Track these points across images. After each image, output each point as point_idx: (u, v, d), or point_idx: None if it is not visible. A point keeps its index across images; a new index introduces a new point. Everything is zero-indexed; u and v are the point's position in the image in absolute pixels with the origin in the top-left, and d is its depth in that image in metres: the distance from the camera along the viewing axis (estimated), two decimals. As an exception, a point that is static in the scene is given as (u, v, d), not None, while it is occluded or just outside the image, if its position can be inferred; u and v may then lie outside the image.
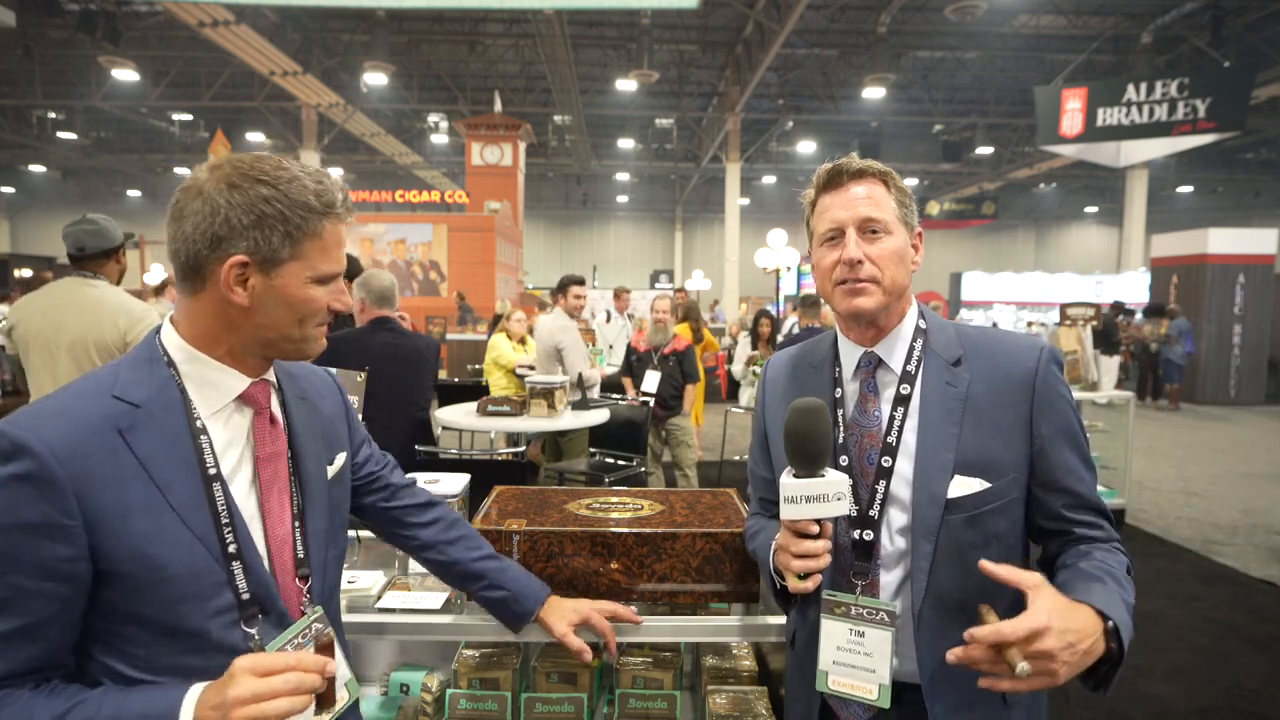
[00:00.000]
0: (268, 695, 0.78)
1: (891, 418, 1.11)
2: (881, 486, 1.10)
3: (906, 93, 19.25)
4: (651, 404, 5.09)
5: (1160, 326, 11.31)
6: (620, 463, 4.68)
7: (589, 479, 4.56)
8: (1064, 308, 8.81)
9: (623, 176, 29.06)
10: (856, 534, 1.11)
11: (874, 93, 15.63)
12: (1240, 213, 27.66)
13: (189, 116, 21.66)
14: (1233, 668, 3.31)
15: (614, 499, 1.59)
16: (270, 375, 1.00)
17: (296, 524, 0.99)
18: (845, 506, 1.01)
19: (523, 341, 5.99)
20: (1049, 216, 31.91)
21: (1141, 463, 7.23)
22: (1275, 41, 14.49)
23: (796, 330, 6.97)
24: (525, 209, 22.51)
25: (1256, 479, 6.86)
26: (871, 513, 1.10)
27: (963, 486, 1.06)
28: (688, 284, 23.33)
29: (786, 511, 1.02)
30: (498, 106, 18.51)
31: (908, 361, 1.13)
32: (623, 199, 31.49)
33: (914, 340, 1.15)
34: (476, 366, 9.13)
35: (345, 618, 1.39)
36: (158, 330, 0.94)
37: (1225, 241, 11.84)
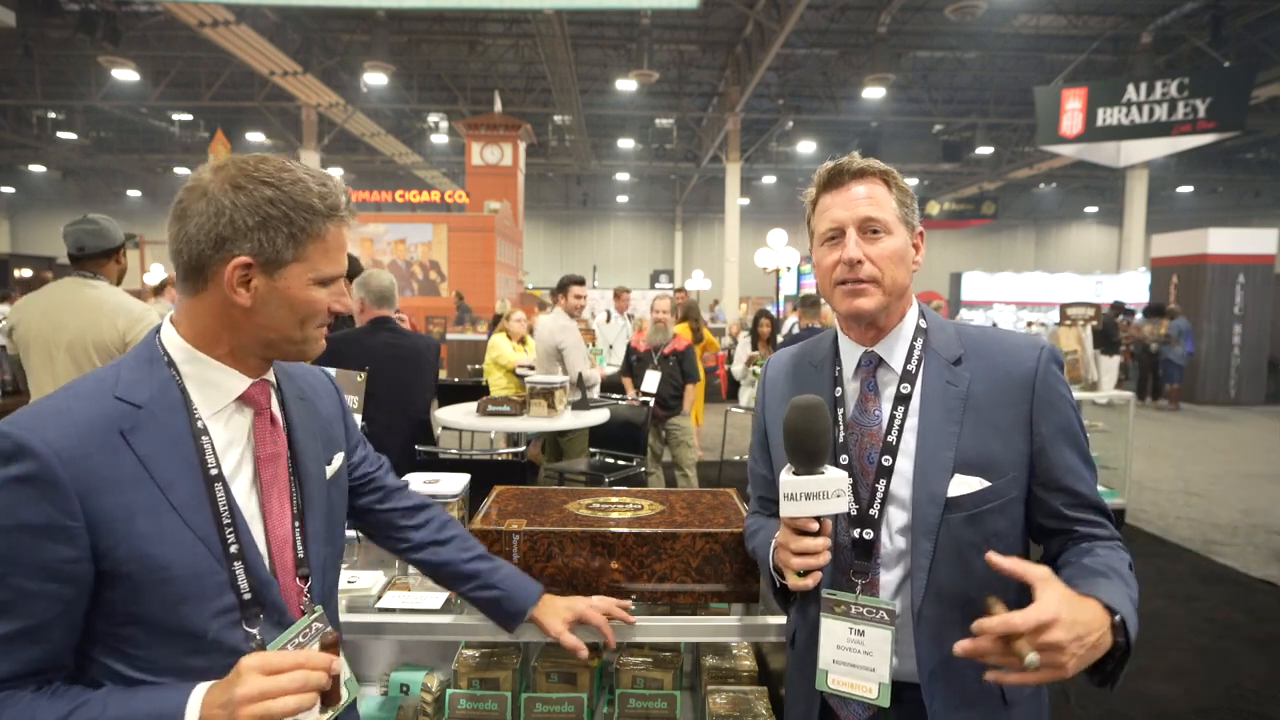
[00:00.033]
0: (275, 693, 0.78)
1: (892, 417, 1.12)
2: (881, 485, 1.10)
3: (906, 93, 19.25)
4: (651, 404, 5.09)
5: (1160, 326, 11.32)
6: (620, 463, 4.68)
7: (589, 479, 4.56)
8: (1064, 308, 8.81)
9: (623, 176, 29.06)
10: (856, 533, 1.11)
11: (874, 93, 15.63)
12: (1240, 213, 27.66)
13: (189, 116, 21.66)
14: (1233, 668, 3.31)
15: (614, 499, 1.59)
16: (270, 375, 1.00)
17: (296, 524, 0.99)
18: (845, 504, 1.01)
19: (523, 341, 5.99)
20: (1049, 216, 31.91)
21: (1141, 463, 7.23)
22: (1275, 41, 14.49)
23: (796, 330, 6.97)
24: (525, 209, 22.51)
25: (1256, 479, 6.86)
26: (871, 512, 1.10)
27: (963, 485, 1.06)
28: (688, 284, 23.34)
29: (786, 509, 1.02)
30: (498, 106, 18.51)
31: (908, 361, 1.13)
32: (623, 199, 31.49)
33: (914, 340, 1.15)
34: (476, 366, 9.13)
35: (345, 617, 1.39)
36: (157, 330, 0.94)
37: (1225, 241, 11.85)
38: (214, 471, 0.89)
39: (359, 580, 1.51)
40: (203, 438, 0.89)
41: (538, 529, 1.41)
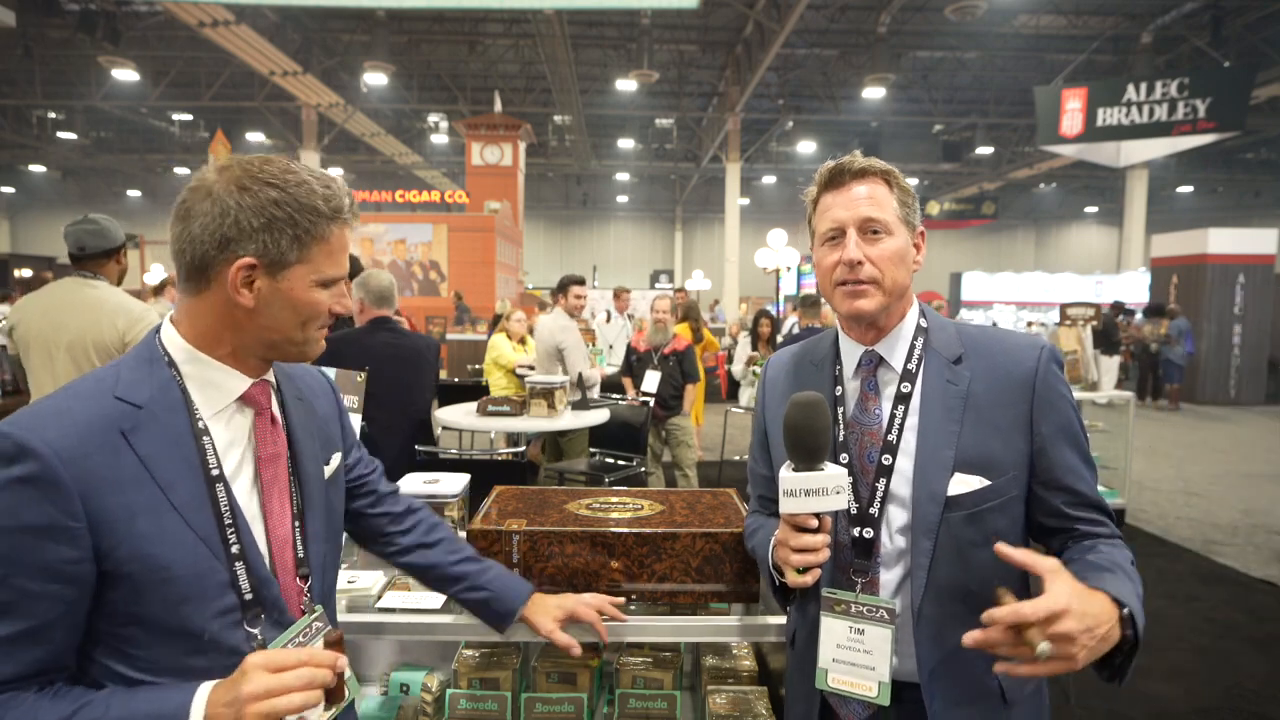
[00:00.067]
0: (280, 690, 0.79)
1: (892, 416, 1.12)
2: (882, 484, 1.10)
3: (906, 93, 19.25)
4: (651, 404, 5.09)
5: (1160, 326, 11.32)
6: (620, 463, 4.68)
7: (589, 479, 4.56)
8: (1064, 308, 8.80)
9: (623, 176, 29.06)
10: (856, 532, 1.11)
11: (874, 93, 15.63)
12: (1240, 213, 27.66)
13: (189, 116, 21.66)
14: (1233, 668, 3.31)
15: (614, 499, 1.59)
16: (270, 376, 1.00)
17: (297, 524, 0.99)
18: (844, 501, 1.02)
19: (523, 341, 5.99)
20: (1049, 216, 31.91)
21: (1141, 463, 7.23)
22: (1275, 41, 14.49)
23: (796, 330, 6.97)
24: (525, 209, 22.52)
25: (1256, 479, 6.86)
26: (871, 510, 1.10)
27: (962, 484, 1.06)
28: (688, 284, 23.34)
29: (786, 505, 1.02)
30: (498, 106, 18.51)
31: (908, 360, 1.14)
32: (623, 199, 31.49)
33: (915, 339, 1.15)
34: (476, 366, 9.13)
35: (345, 617, 1.40)
36: (157, 330, 0.94)
37: (1225, 241, 11.85)
38: (215, 472, 0.89)
39: (359, 580, 1.51)
40: (204, 438, 0.89)
41: (538, 529, 1.41)
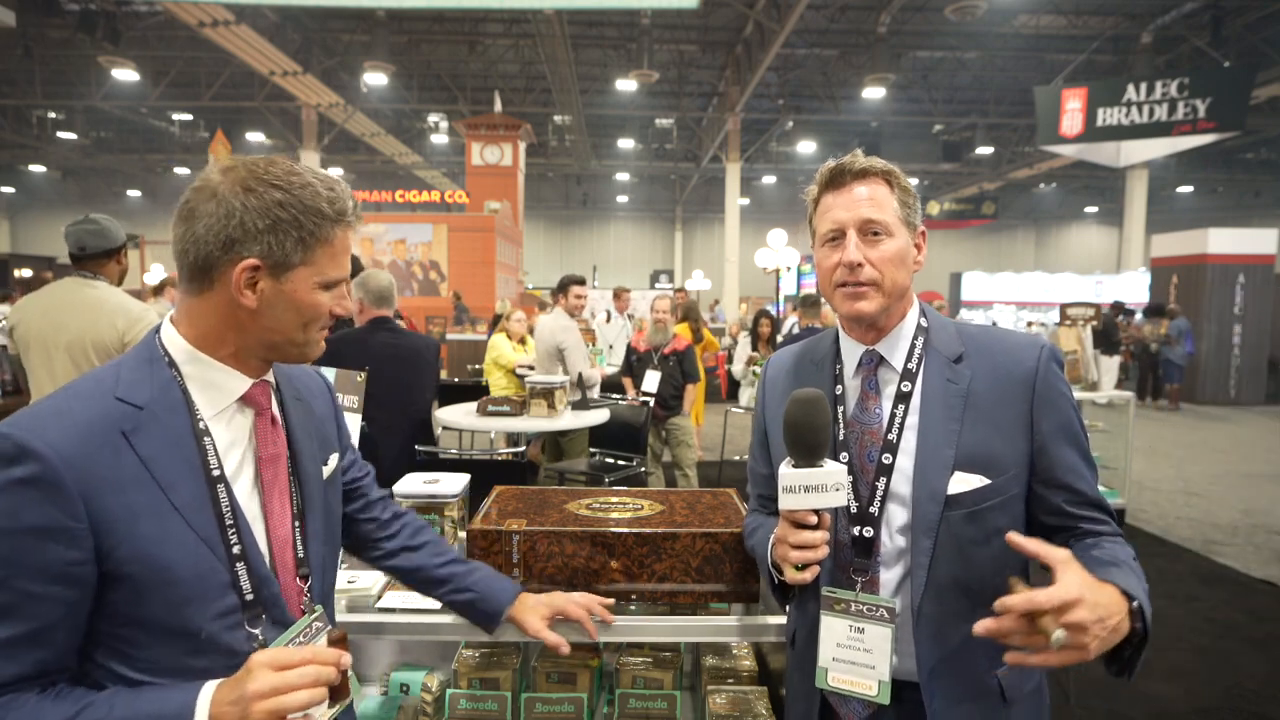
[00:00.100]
0: (286, 688, 0.79)
1: (893, 415, 1.12)
2: (882, 483, 1.10)
3: (906, 93, 19.25)
4: (651, 404, 5.09)
5: (1160, 326, 11.32)
6: (620, 463, 4.68)
7: (589, 479, 4.56)
8: (1064, 308, 8.79)
9: (623, 176, 29.06)
10: (856, 531, 1.11)
11: (874, 93, 15.63)
12: (1240, 213, 27.66)
13: (189, 116, 21.66)
14: (1233, 668, 3.31)
15: (614, 499, 1.59)
16: (269, 376, 1.00)
17: (297, 524, 0.99)
18: (843, 498, 1.02)
19: (523, 341, 5.99)
20: (1049, 216, 31.91)
21: (1141, 463, 7.23)
22: (1275, 41, 14.49)
23: (796, 330, 6.97)
24: (525, 209, 22.51)
25: (1256, 479, 6.86)
26: (871, 510, 1.10)
27: (963, 483, 1.06)
28: (688, 284, 23.34)
29: (785, 501, 1.02)
30: (498, 106, 18.52)
31: (909, 359, 1.14)
32: (623, 199, 31.49)
33: (915, 338, 1.15)
34: (476, 366, 9.13)
35: (346, 618, 1.40)
36: (157, 330, 0.94)
37: (1225, 241, 11.85)
38: (216, 472, 0.89)
39: (359, 580, 1.51)
40: (205, 439, 0.89)
41: (538, 529, 1.41)
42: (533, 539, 1.40)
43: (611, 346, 8.04)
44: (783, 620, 1.34)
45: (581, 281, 4.99)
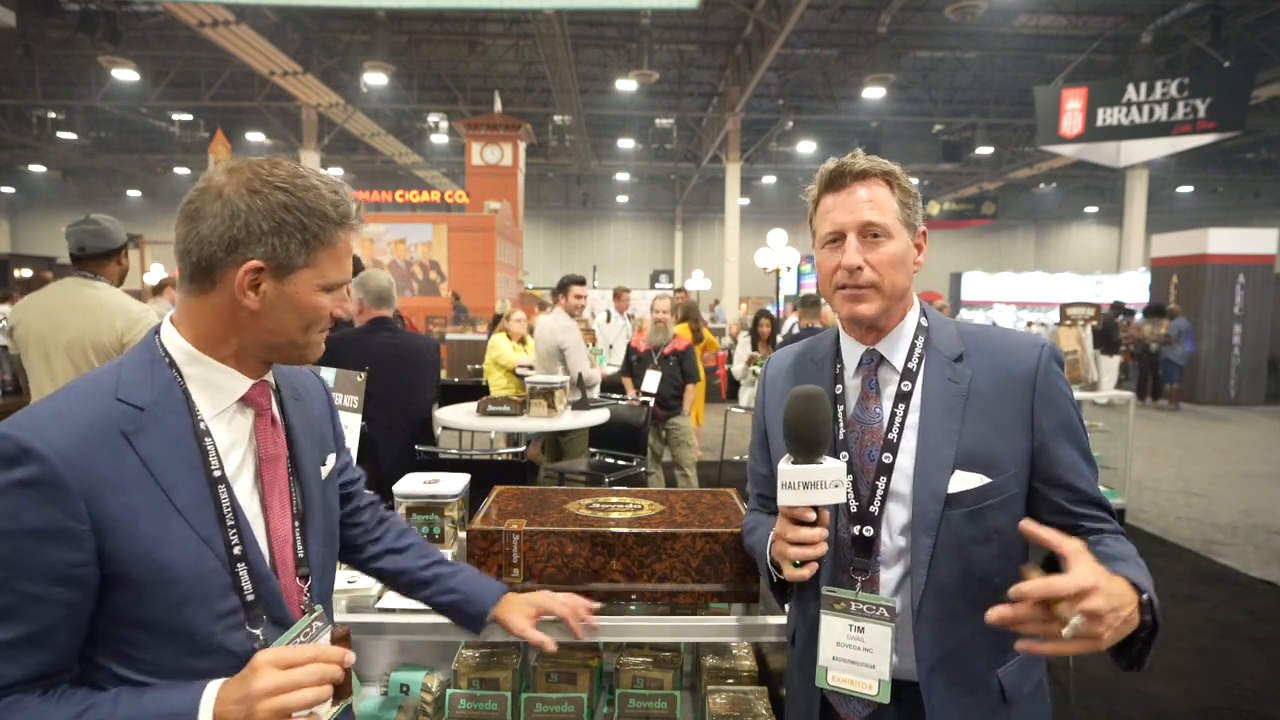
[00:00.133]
0: (291, 686, 0.79)
1: (893, 414, 1.12)
2: (882, 483, 1.10)
3: (906, 93, 19.24)
4: (651, 404, 5.09)
5: (1160, 326, 11.32)
6: (620, 463, 4.68)
7: (589, 479, 4.56)
8: (1064, 308, 8.79)
9: (623, 176, 29.06)
10: (856, 530, 1.11)
11: (874, 93, 15.62)
12: (1240, 213, 27.65)
13: (189, 116, 21.64)
14: (1233, 668, 3.31)
15: (614, 499, 1.59)
16: (269, 377, 1.00)
17: (296, 524, 0.99)
18: (842, 495, 1.02)
19: (523, 341, 5.99)
20: (1049, 216, 31.91)
21: (1141, 463, 7.23)
22: (1275, 41, 14.49)
23: (796, 330, 6.97)
24: (525, 209, 22.50)
25: (1256, 479, 6.86)
26: (872, 509, 1.11)
27: (963, 482, 1.06)
28: (688, 284, 23.33)
29: (784, 498, 1.02)
30: (498, 106, 18.51)
31: (909, 359, 1.14)
32: (623, 199, 31.49)
33: (915, 338, 1.15)
34: (476, 366, 9.13)
35: (346, 618, 1.40)
36: (156, 330, 0.94)
37: (1225, 241, 11.85)
38: (217, 473, 0.89)
39: (359, 580, 1.51)
40: (205, 439, 0.89)
41: (538, 529, 1.41)
42: (533, 539, 1.40)
43: (611, 346, 8.04)
44: (783, 620, 1.34)
45: (581, 281, 4.99)
